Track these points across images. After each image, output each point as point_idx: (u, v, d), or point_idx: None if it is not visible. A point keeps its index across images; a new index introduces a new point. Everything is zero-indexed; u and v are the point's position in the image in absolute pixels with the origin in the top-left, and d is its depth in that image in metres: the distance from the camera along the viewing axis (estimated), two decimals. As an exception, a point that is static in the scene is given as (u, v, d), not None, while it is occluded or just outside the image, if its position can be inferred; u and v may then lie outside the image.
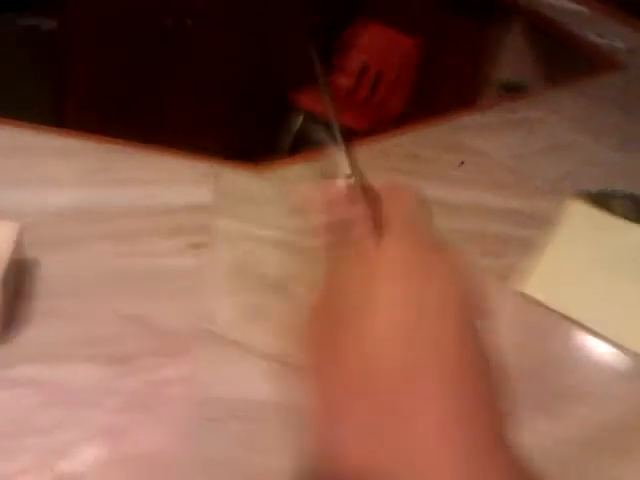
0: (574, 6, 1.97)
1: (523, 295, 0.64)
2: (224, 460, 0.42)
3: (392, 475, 0.23)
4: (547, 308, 0.63)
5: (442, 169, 0.85)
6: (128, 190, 0.62)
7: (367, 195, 0.30)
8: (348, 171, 0.31)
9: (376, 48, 2.97)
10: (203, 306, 0.52)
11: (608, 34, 1.93)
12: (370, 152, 0.81)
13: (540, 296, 0.64)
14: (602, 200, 0.84)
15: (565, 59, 1.87)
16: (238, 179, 0.68)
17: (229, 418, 0.44)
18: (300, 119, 2.77)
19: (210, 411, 0.44)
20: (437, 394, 0.24)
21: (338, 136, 0.32)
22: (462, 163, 0.73)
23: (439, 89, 2.78)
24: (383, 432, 0.24)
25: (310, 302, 0.27)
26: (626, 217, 0.82)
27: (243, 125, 2.87)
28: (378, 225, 0.28)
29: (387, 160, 0.81)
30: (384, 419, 0.24)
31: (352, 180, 0.30)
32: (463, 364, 0.25)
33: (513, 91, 2.00)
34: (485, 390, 0.25)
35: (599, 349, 0.61)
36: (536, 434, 0.48)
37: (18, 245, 0.47)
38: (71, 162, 0.64)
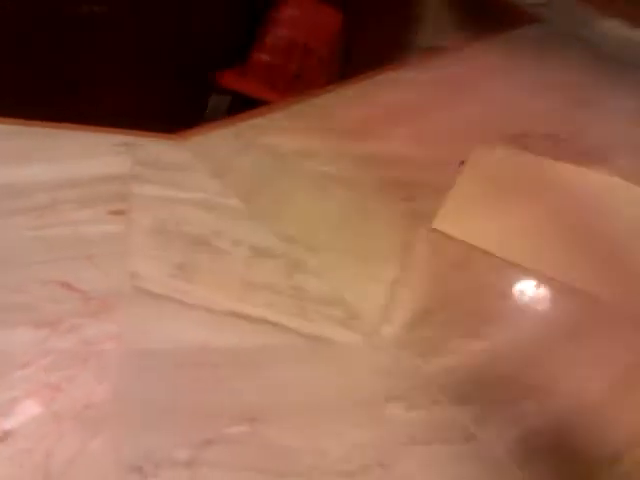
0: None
1: (435, 231, 0.68)
2: (162, 404, 0.44)
3: None
4: (458, 241, 0.68)
5: (354, 124, 0.88)
6: (44, 167, 0.63)
7: None
8: None
9: (300, 22, 2.95)
10: (127, 267, 0.54)
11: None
12: (285, 114, 0.83)
13: (450, 230, 0.69)
14: (512, 140, 0.89)
15: (486, 19, 1.92)
16: (154, 148, 0.70)
17: (162, 366, 0.47)
18: (227, 99, 2.75)
19: (143, 361, 0.47)
20: None
21: None
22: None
23: (364, 61, 2.80)
24: None
25: None
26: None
27: (161, 108, 2.84)
28: None
29: (302, 120, 0.84)
30: None
31: None
32: None
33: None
34: None
35: (508, 274, 0.65)
36: (456, 351, 0.53)
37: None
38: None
